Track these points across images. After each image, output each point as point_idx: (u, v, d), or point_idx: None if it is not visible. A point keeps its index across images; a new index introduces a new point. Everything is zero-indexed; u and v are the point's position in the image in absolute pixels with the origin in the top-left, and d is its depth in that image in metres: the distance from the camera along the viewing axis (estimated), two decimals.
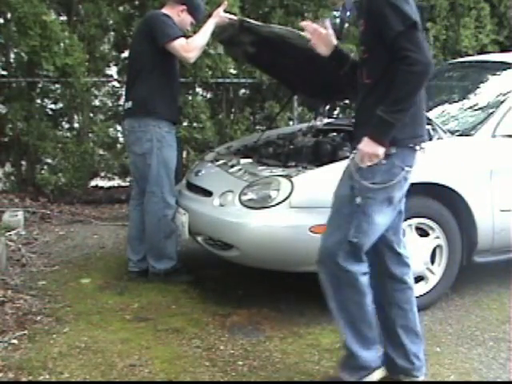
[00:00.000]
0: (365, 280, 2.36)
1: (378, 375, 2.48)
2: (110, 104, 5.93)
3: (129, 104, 3.56)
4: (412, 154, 2.33)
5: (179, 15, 3.55)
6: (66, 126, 5.88)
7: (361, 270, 2.35)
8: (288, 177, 3.11)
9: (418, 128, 2.33)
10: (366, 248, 2.33)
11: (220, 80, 5.78)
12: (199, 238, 3.39)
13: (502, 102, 3.49)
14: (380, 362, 2.47)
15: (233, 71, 5.95)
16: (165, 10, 3.57)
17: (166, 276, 3.63)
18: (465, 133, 3.40)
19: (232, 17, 3.43)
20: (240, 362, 2.70)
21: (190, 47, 3.44)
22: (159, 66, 3.49)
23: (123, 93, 3.83)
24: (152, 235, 3.60)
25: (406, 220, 3.12)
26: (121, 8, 5.72)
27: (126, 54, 5.87)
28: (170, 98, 3.57)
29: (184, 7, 3.55)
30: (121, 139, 5.63)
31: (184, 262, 3.85)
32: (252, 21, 3.47)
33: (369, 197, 2.29)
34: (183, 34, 3.50)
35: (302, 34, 3.15)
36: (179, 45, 3.41)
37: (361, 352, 2.39)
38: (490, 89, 3.85)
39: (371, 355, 2.42)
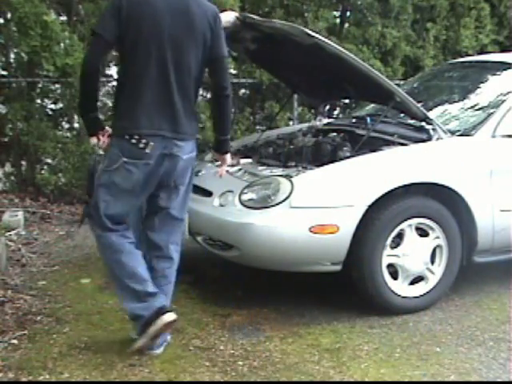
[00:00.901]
0: (118, 239, 2.64)
1: (163, 320, 2.61)
2: (110, 104, 5.92)
3: None
4: (128, 145, 2.53)
5: None
6: (66, 126, 5.87)
7: (109, 234, 2.64)
8: (288, 177, 3.11)
9: (129, 121, 2.53)
10: (108, 218, 2.62)
11: None
12: (199, 238, 3.39)
13: (502, 102, 3.49)
14: (156, 310, 2.61)
15: (233, 71, 5.94)
16: None
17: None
18: (465, 133, 3.40)
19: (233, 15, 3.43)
20: (240, 362, 2.70)
21: None
22: None
23: None
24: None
25: (406, 220, 3.14)
26: None
27: None
28: None
29: None
30: None
31: (184, 262, 3.85)
32: (254, 16, 3.47)
33: (99, 177, 2.62)
34: None
35: (305, 29, 3.15)
36: None
37: (134, 305, 2.63)
38: (490, 89, 3.85)
39: (144, 305, 2.61)
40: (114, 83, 5.81)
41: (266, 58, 3.95)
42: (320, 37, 3.16)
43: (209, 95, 6.23)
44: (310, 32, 3.14)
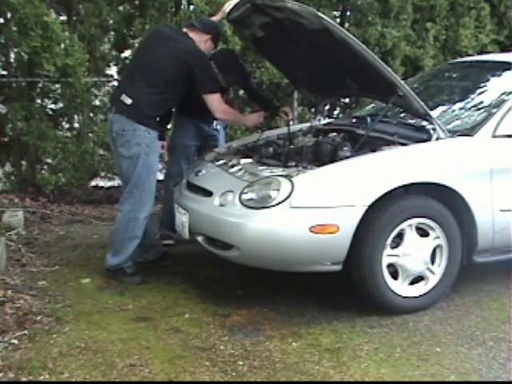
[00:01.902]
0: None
1: None
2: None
3: (128, 100, 3.56)
4: None
5: (205, 43, 3.71)
6: (66, 126, 5.87)
7: None
8: (288, 177, 3.11)
9: None
10: None
11: None
12: (199, 238, 3.39)
13: (503, 102, 3.48)
14: None
15: None
16: (192, 36, 3.67)
17: (114, 273, 3.68)
18: (465, 133, 3.40)
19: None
20: (240, 362, 2.71)
21: (227, 111, 3.81)
22: (179, 88, 3.64)
23: None
24: (117, 231, 3.66)
25: (406, 220, 3.14)
26: (121, 8, 5.71)
27: (125, 54, 5.87)
28: (167, 112, 3.78)
29: (210, 36, 3.72)
30: None
31: (184, 262, 3.87)
32: None
33: None
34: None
35: (316, 11, 3.15)
36: (216, 101, 3.69)
37: None
38: (490, 89, 3.84)
39: None
40: (115, 83, 5.84)
41: (272, 47, 3.95)
42: (329, 20, 3.14)
43: None
44: (321, 14, 3.13)
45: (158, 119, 3.65)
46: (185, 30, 3.73)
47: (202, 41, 3.68)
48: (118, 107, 3.60)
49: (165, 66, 3.56)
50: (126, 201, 3.62)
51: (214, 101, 3.66)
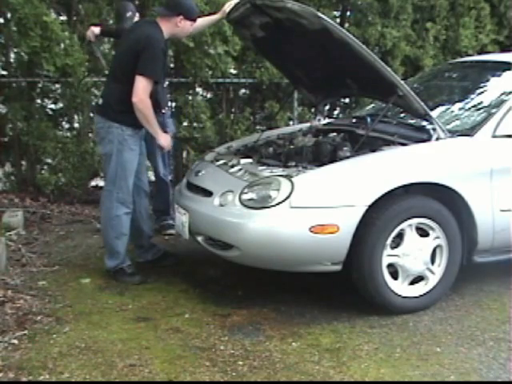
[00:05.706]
0: None
1: None
2: None
3: (100, 101, 3.63)
4: None
5: (178, 25, 3.55)
6: (66, 126, 5.87)
7: None
8: (288, 177, 3.11)
9: None
10: None
11: (220, 80, 5.77)
12: (199, 238, 3.39)
13: (503, 102, 3.49)
14: None
15: (233, 71, 5.94)
16: (161, 24, 3.51)
17: (114, 273, 3.69)
18: (465, 133, 3.40)
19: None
20: (240, 362, 2.71)
21: (146, 102, 3.42)
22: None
23: None
24: (104, 232, 3.69)
25: (406, 220, 3.14)
26: None
27: None
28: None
29: (181, 17, 3.55)
30: None
31: (184, 262, 3.86)
32: None
33: None
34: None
35: (316, 11, 3.16)
36: (143, 86, 3.39)
37: None
38: (490, 89, 3.84)
39: None
40: None
41: (272, 47, 3.96)
42: (329, 20, 3.15)
43: (209, 95, 6.26)
44: (321, 14, 3.13)
45: (128, 119, 3.49)
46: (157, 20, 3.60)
47: (174, 26, 3.53)
48: (95, 108, 3.81)
49: (124, 58, 3.51)
50: (105, 199, 3.64)
51: (142, 85, 3.40)
